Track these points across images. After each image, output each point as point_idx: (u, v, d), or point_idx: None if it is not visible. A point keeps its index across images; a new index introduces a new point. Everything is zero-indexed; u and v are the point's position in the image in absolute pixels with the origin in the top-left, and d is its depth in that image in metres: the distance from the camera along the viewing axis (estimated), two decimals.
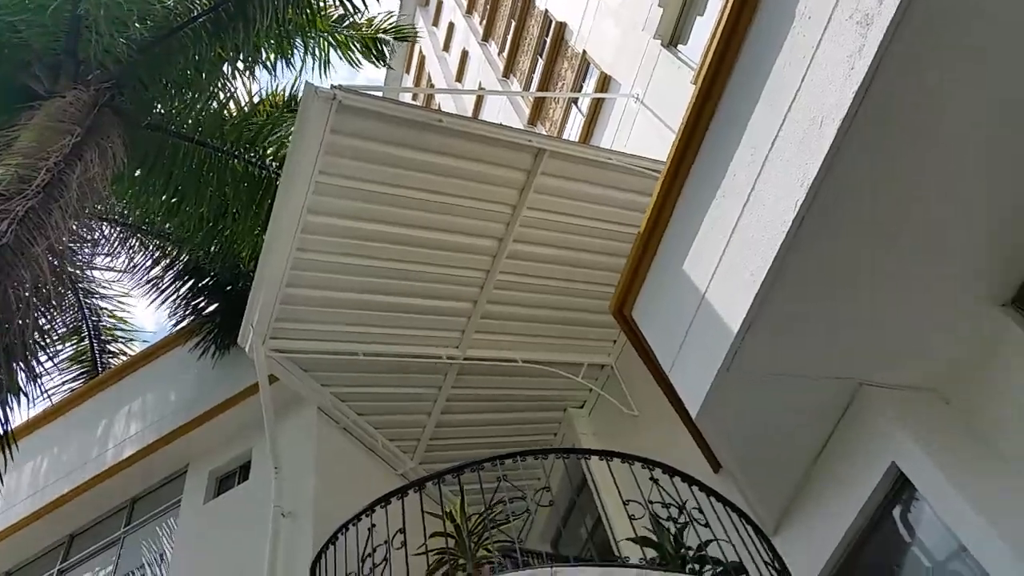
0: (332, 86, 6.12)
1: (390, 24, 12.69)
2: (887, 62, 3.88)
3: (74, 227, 7.92)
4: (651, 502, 4.10)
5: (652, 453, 5.36)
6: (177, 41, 9.85)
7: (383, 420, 8.43)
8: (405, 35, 13.13)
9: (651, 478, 4.39)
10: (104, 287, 12.02)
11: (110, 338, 12.16)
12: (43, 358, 8.35)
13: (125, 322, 12.37)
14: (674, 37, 9.60)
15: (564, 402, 9.08)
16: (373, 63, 12.60)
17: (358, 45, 12.28)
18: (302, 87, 7.70)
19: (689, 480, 4.56)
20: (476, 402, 8.65)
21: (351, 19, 11.89)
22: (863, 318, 4.71)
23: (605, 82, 11.14)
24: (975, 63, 3.90)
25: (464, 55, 20.61)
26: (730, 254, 4.86)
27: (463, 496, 4.50)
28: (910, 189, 4.29)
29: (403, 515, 4.51)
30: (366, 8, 12.06)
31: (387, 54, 12.74)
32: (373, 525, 4.53)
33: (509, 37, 16.53)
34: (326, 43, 11.68)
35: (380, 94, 6.53)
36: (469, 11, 21.15)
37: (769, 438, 4.98)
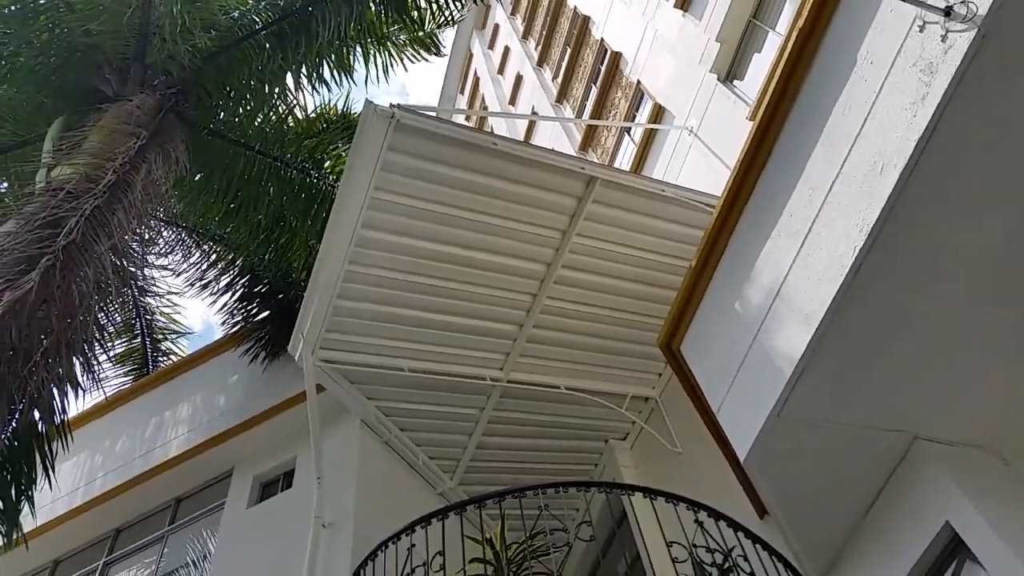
0: (391, 104, 6.24)
1: (444, 19, 12.85)
2: (950, 112, 3.85)
3: (136, 227, 8.13)
4: (695, 545, 4.05)
5: (694, 491, 5.31)
6: (241, 52, 10.13)
7: (425, 437, 8.46)
8: (455, 22, 13.24)
9: (696, 520, 4.34)
10: (158, 287, 12.35)
11: (161, 337, 12.44)
12: (99, 353, 8.56)
13: (177, 322, 12.67)
14: (730, 72, 9.61)
15: (606, 433, 8.99)
16: (429, 60, 12.80)
17: (416, 46, 12.47)
18: (356, 102, 7.82)
19: (735, 525, 4.49)
20: (518, 426, 8.62)
21: (406, 25, 12.06)
22: (921, 369, 4.63)
23: (659, 113, 11.16)
24: None
25: (519, 79, 20.79)
26: (784, 295, 4.82)
27: (503, 522, 4.51)
28: (972, 237, 4.23)
29: (443, 537, 4.53)
30: (422, 26, 12.18)
31: (440, 45, 12.89)
32: (413, 545, 4.55)
33: (564, 64, 16.65)
34: (385, 50, 11.86)
35: (435, 114, 6.63)
36: (525, 36, 21.37)
37: (819, 487, 4.89)
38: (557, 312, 7.89)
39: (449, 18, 12.66)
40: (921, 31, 4.05)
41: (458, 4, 10.40)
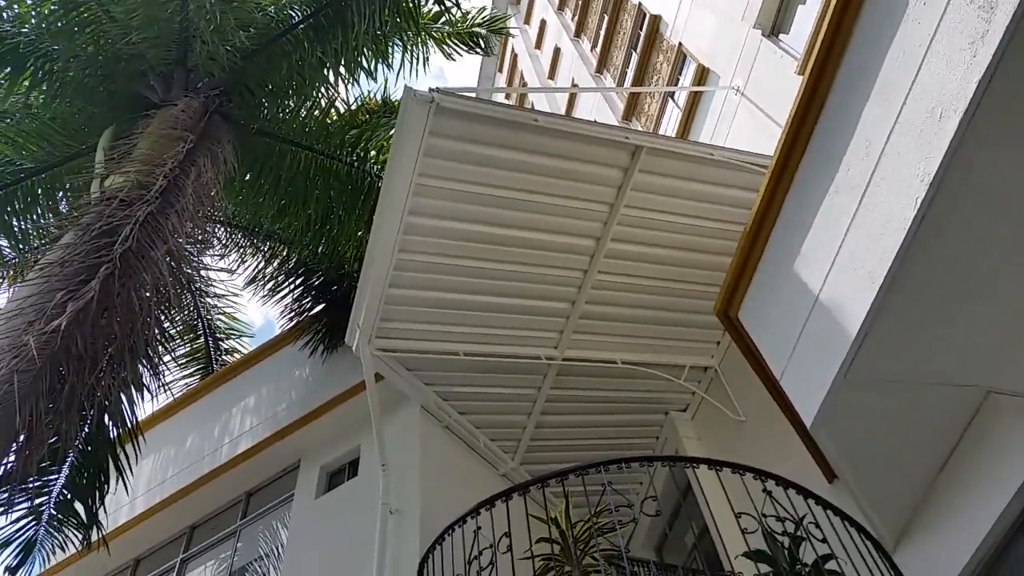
0: (430, 89, 6.19)
1: (484, 18, 12.83)
2: (1013, 49, 3.61)
3: (190, 230, 8.29)
4: (764, 515, 3.95)
5: (760, 460, 5.18)
6: (279, 47, 10.23)
7: (484, 420, 8.49)
8: (498, 28, 13.23)
9: (764, 490, 4.23)
10: (217, 286, 12.62)
11: (223, 336, 12.73)
12: (163, 355, 8.79)
13: (237, 320, 12.94)
14: (775, 26, 9.28)
15: (666, 405, 8.89)
16: (472, 53, 12.83)
17: (455, 40, 12.46)
18: (395, 90, 7.78)
19: (805, 493, 4.37)
20: (576, 403, 8.58)
21: (447, 15, 12.05)
22: (991, 320, 4.40)
23: (703, 75, 10.86)
24: None
25: (556, 52, 20.55)
26: (845, 253, 4.64)
27: (567, 501, 4.47)
28: None
29: (508, 518, 4.52)
30: (458, 7, 12.14)
31: (483, 45, 12.89)
32: (479, 527, 4.54)
33: (602, 32, 16.36)
34: (422, 42, 11.86)
35: (474, 95, 6.56)
36: (561, 7, 21.07)
37: (890, 448, 4.73)
38: (609, 286, 7.80)
39: (487, 21, 12.63)
40: None
41: None
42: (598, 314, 7.97)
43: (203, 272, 12.15)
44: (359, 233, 10.17)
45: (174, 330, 11.38)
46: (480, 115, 6.40)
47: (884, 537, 4.88)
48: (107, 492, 6.69)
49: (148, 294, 7.08)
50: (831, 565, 3.96)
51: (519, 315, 7.76)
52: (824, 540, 3.93)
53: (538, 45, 23.40)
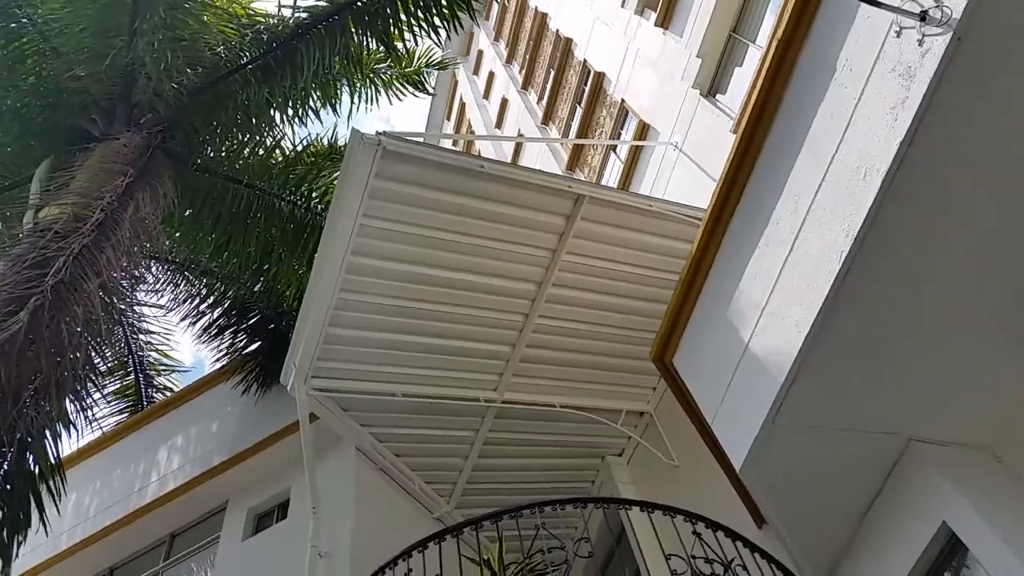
0: (377, 132, 6.27)
1: (431, 59, 13.09)
2: (931, 115, 3.90)
3: (125, 264, 8.12)
4: (694, 557, 4.02)
5: (693, 503, 5.28)
6: (226, 87, 10.21)
7: (420, 462, 8.42)
8: (445, 65, 13.50)
9: (694, 532, 4.32)
10: (150, 322, 12.31)
11: (155, 372, 12.39)
12: (91, 390, 8.50)
13: (169, 357, 12.62)
14: (712, 87, 9.70)
15: (602, 449, 8.96)
16: (416, 95, 13.06)
17: (401, 83, 12.65)
18: (343, 133, 7.80)
19: (733, 535, 4.47)
20: (514, 446, 8.58)
21: (390, 57, 12.24)
22: (911, 371, 4.64)
23: (644, 130, 11.25)
24: (1017, 116, 3.89)
25: (504, 103, 20.95)
26: (774, 303, 4.84)
27: (501, 543, 4.47)
28: (959, 237, 4.26)
29: (440, 561, 4.49)
30: (407, 54, 12.35)
31: (428, 86, 13.11)
32: (410, 570, 4.50)
33: (548, 86, 16.79)
34: (371, 84, 12.01)
35: (422, 140, 6.67)
36: (509, 60, 21.57)
37: (816, 492, 4.88)
38: (549, 331, 7.89)
39: (434, 62, 12.91)
40: (898, 36, 4.11)
41: (444, 27, 10.50)
42: (537, 358, 8.05)
43: (136, 307, 11.87)
44: (300, 272, 10.10)
45: (104, 366, 11.01)
46: (426, 159, 6.49)
47: None
48: (26, 530, 6.38)
49: (79, 328, 6.89)
50: None
51: (459, 357, 7.78)
52: None
53: (486, 95, 23.83)
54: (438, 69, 13.29)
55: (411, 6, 10.28)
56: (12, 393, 5.79)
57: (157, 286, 11.57)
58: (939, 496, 4.51)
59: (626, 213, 7.35)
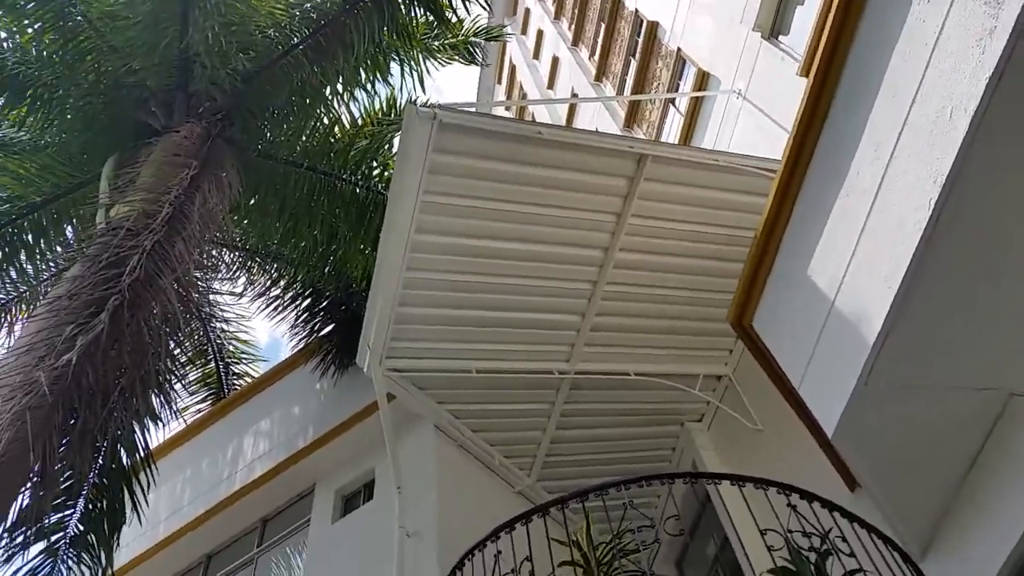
0: (431, 105, 6.16)
1: (480, 28, 12.86)
2: (1023, 45, 3.56)
3: (197, 256, 8.27)
4: (790, 531, 3.87)
5: (778, 469, 5.11)
6: (280, 69, 10.25)
7: (498, 437, 8.41)
8: (495, 36, 13.26)
9: (788, 504, 4.16)
10: (226, 311, 12.60)
11: (234, 360, 12.70)
12: (174, 382, 8.75)
13: (248, 344, 12.92)
14: (774, 28, 9.25)
15: (681, 416, 8.80)
16: (468, 63, 12.84)
17: (451, 51, 12.48)
18: (399, 97, 7.69)
19: (830, 506, 4.29)
20: (590, 417, 8.49)
21: (441, 29, 12.07)
22: (1010, 321, 4.33)
23: (703, 80, 10.83)
24: None
25: (555, 61, 20.55)
26: (860, 257, 4.58)
27: (588, 523, 4.40)
28: None
29: (528, 540, 4.45)
30: (457, 19, 12.15)
31: (479, 56, 12.92)
32: (499, 552, 4.48)
33: (600, 40, 16.36)
34: (420, 56, 11.87)
35: (475, 110, 6.53)
36: (557, 16, 21.09)
37: (913, 455, 4.65)
38: (619, 297, 7.73)
39: (482, 31, 12.67)
40: None
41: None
42: (609, 325, 7.91)
43: (212, 297, 12.15)
44: (366, 252, 10.15)
45: (184, 357, 11.35)
46: (483, 129, 6.38)
47: (911, 547, 4.78)
48: (122, 524, 6.64)
49: (158, 323, 7.06)
50: None
51: (530, 329, 7.70)
52: (851, 554, 3.85)
53: (536, 55, 23.42)
54: (487, 40, 13.04)
55: None
56: (101, 392, 5.99)
57: (230, 274, 11.82)
58: None
59: (691, 170, 7.09)
